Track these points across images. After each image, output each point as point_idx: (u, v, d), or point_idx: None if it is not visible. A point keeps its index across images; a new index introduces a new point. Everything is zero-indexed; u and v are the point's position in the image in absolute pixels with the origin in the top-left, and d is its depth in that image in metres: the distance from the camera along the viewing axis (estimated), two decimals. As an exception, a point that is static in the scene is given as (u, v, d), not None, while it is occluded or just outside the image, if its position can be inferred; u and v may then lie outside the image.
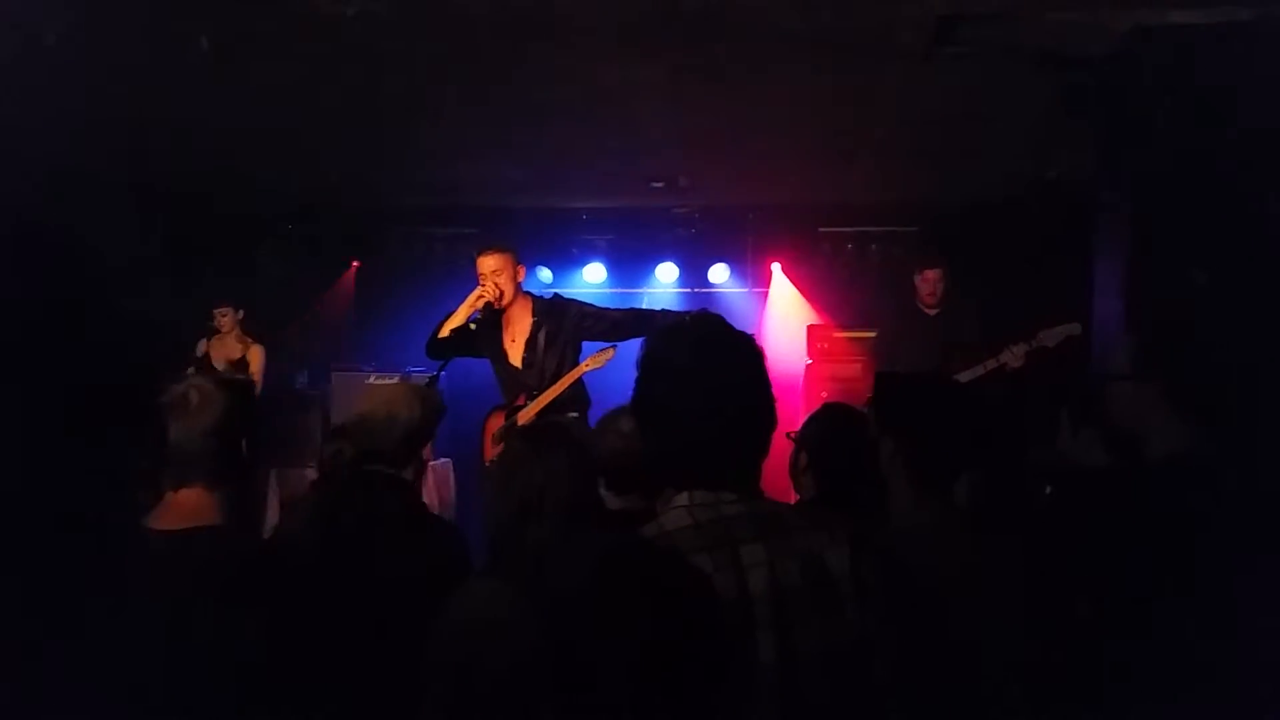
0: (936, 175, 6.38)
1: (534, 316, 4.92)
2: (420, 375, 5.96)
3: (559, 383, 4.77)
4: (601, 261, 7.85)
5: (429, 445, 2.86)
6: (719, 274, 7.82)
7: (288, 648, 1.81)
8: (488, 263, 4.79)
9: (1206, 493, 2.35)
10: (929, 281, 5.61)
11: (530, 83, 4.57)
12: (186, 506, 1.93)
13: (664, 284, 7.85)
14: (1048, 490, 2.90)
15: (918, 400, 2.25)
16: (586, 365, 4.80)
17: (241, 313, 6.51)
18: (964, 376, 5.22)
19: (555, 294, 5.15)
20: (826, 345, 7.24)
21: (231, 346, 6.50)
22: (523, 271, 4.98)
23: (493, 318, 4.88)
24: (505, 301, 4.83)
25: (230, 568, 1.83)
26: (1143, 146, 3.70)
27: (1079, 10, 3.61)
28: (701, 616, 1.24)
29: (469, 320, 4.89)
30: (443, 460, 5.89)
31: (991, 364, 5.22)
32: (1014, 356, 5.20)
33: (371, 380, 6.66)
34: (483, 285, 4.79)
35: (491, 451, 4.99)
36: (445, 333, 4.91)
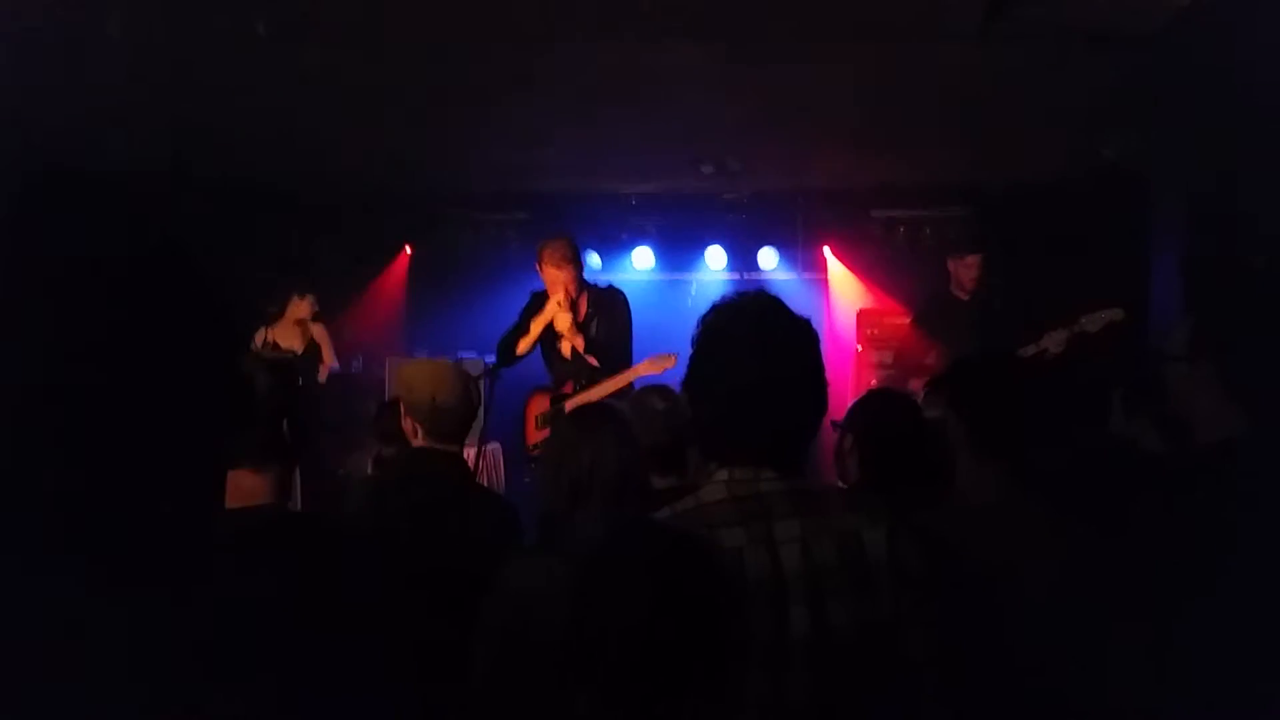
0: (989, 157, 6.30)
1: (589, 307, 4.93)
2: (471, 359, 6.05)
3: (612, 380, 4.77)
4: (650, 246, 7.85)
5: (478, 422, 2.94)
6: (768, 259, 7.78)
7: (346, 618, 1.86)
8: (559, 275, 4.79)
9: (1261, 478, 2.32)
10: (970, 267, 5.52)
11: (580, 68, 4.60)
12: (239, 488, 1.93)
13: (712, 269, 7.84)
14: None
15: (989, 383, 2.26)
16: (643, 368, 4.77)
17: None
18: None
19: (610, 284, 5.14)
20: (877, 331, 7.19)
21: (293, 333, 6.61)
22: (583, 266, 4.99)
23: (543, 303, 4.92)
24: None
25: (287, 542, 1.88)
26: (1198, 126, 3.63)
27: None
28: (717, 592, 1.26)
29: (554, 334, 4.93)
30: (493, 445, 5.96)
31: (1031, 349, 5.13)
32: (1055, 342, 5.09)
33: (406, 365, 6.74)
34: (554, 296, 4.81)
35: (534, 434, 5.03)
36: (523, 350, 4.96)
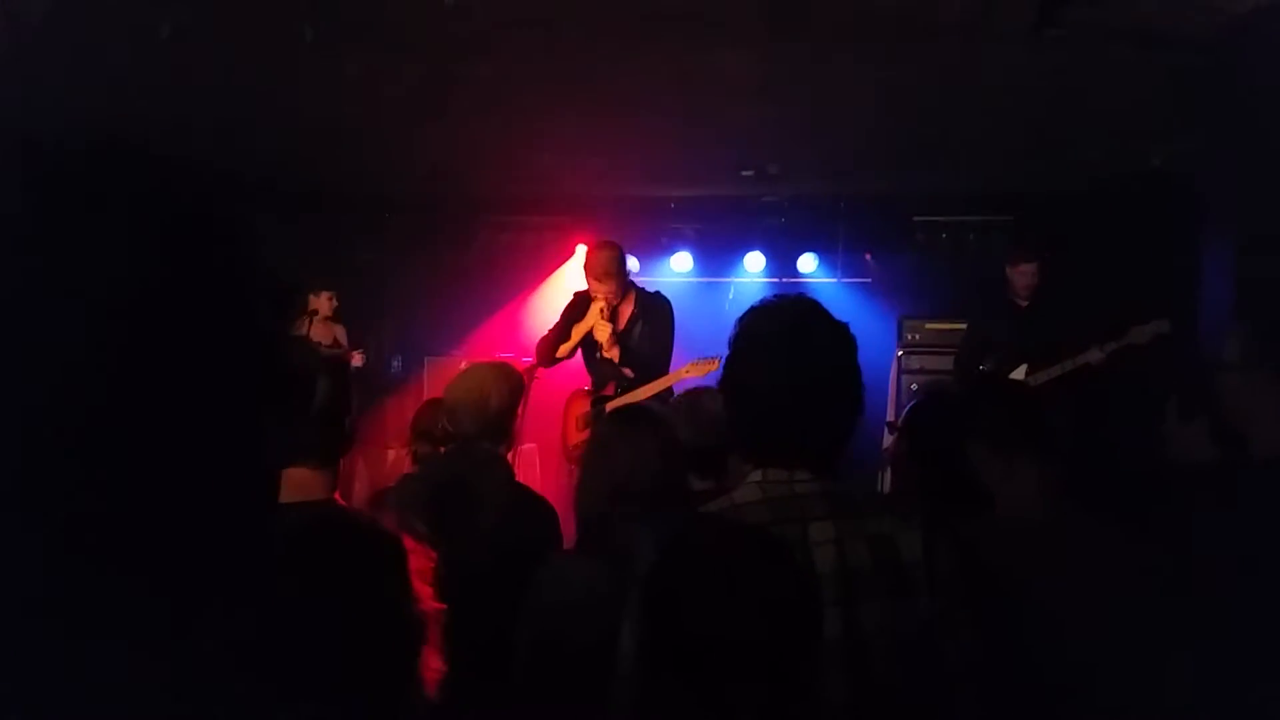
0: (1036, 163, 6.20)
1: (634, 309, 4.94)
2: (509, 358, 6.06)
3: (655, 383, 4.76)
4: (689, 250, 7.83)
5: (518, 423, 2.95)
6: (807, 264, 7.73)
7: (398, 616, 1.86)
8: (600, 288, 4.81)
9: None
10: (1025, 275, 5.48)
11: (620, 71, 4.59)
12: (294, 483, 1.97)
13: (751, 273, 7.81)
14: None
15: (1006, 399, 2.24)
16: (686, 371, 4.75)
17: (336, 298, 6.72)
18: (1050, 374, 5.10)
19: (657, 291, 5.14)
20: (918, 336, 7.12)
21: (322, 331, 6.69)
22: (627, 275, 4.99)
23: (587, 305, 4.93)
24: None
25: (345, 538, 1.88)
26: (1253, 133, 3.54)
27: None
28: (776, 588, 1.24)
29: (593, 341, 4.94)
30: (529, 445, 5.98)
31: (1069, 365, 5.09)
32: (1097, 356, 5.04)
33: (464, 367, 6.79)
34: (595, 304, 4.83)
35: (575, 435, 5.03)
36: (563, 355, 4.99)
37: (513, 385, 2.99)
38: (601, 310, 4.82)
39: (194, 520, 0.73)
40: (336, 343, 6.72)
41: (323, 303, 6.70)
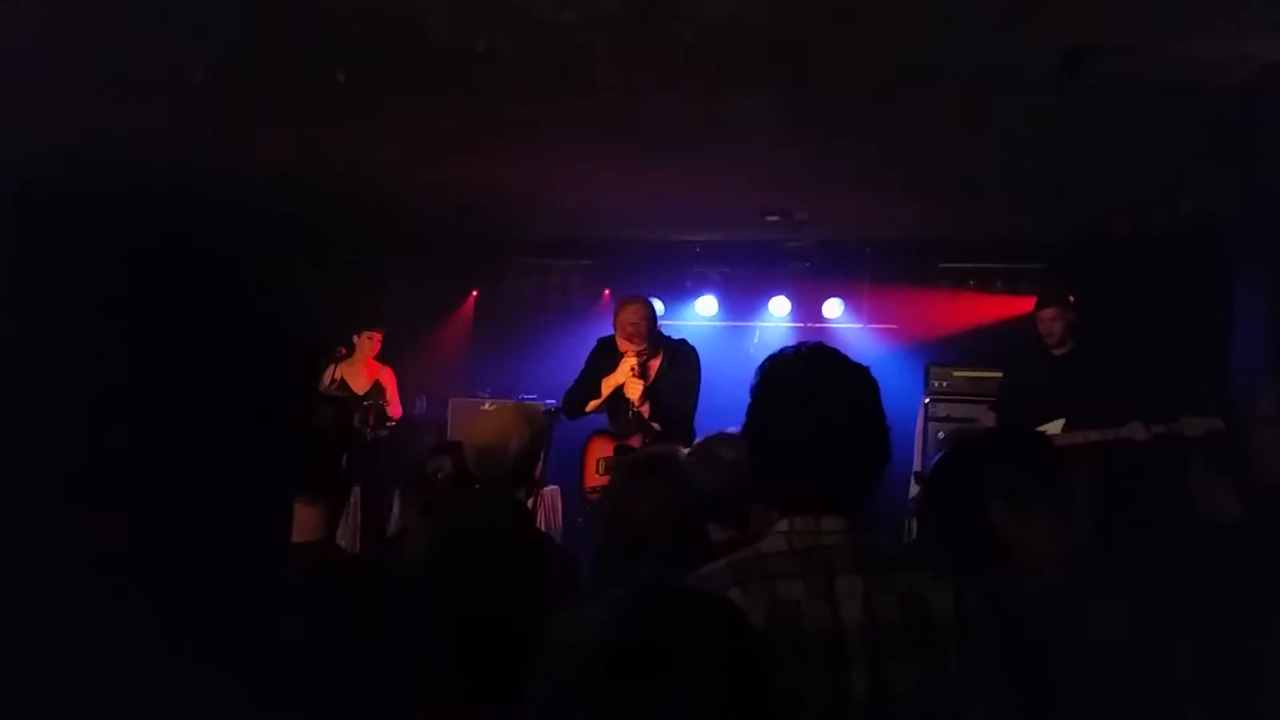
0: (1064, 210, 6.18)
1: (662, 361, 4.95)
2: (532, 401, 6.06)
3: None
4: (714, 294, 7.85)
5: (540, 466, 2.92)
6: (833, 309, 7.72)
7: (394, 659, 1.84)
8: (630, 346, 4.84)
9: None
10: (1045, 320, 5.44)
11: (647, 116, 4.63)
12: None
13: (776, 318, 7.79)
14: None
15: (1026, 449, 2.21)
16: None
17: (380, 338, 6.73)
18: (1089, 436, 5.00)
19: (683, 340, 5.16)
20: (946, 384, 7.06)
21: (360, 372, 6.68)
22: (657, 330, 5.01)
23: (613, 354, 4.94)
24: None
25: (330, 582, 1.87)
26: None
27: (1217, 39, 3.45)
28: (738, 654, 1.21)
29: (623, 397, 4.95)
30: (551, 487, 5.95)
31: (1110, 435, 4.96)
32: (1141, 434, 4.89)
33: (487, 406, 6.79)
34: (626, 360, 4.85)
35: (594, 478, 5.01)
36: (591, 409, 5.01)
37: (535, 428, 2.95)
38: (633, 368, 4.83)
39: (195, 559, 0.72)
40: (379, 385, 6.72)
41: (364, 342, 6.70)
